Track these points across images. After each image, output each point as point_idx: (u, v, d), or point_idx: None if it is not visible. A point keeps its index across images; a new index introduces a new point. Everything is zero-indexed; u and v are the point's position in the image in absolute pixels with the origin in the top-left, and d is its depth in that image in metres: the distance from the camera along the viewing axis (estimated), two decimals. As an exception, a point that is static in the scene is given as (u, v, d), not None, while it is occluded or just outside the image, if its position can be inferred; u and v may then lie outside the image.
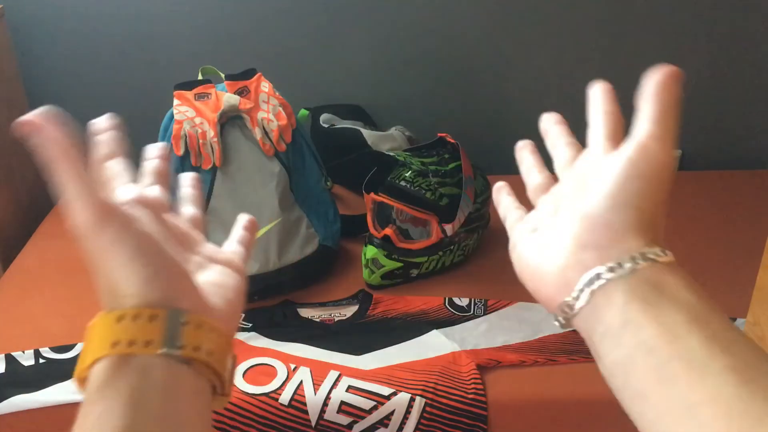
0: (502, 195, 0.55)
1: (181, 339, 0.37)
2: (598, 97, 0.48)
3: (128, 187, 0.43)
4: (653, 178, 0.39)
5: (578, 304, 0.38)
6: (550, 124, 0.52)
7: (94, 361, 0.36)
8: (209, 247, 0.47)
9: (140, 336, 0.36)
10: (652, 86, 0.41)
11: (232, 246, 0.51)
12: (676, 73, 0.41)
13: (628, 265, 0.37)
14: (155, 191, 0.47)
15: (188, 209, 0.51)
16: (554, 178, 0.50)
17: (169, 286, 0.38)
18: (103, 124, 0.46)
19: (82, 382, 0.37)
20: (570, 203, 0.43)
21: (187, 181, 0.54)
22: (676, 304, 0.36)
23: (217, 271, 0.45)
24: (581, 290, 0.38)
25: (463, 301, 1.31)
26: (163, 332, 0.36)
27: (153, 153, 0.51)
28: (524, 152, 0.54)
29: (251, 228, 0.54)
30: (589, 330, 0.38)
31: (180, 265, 0.40)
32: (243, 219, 0.54)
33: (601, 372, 0.38)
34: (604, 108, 0.47)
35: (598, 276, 0.37)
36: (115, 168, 0.44)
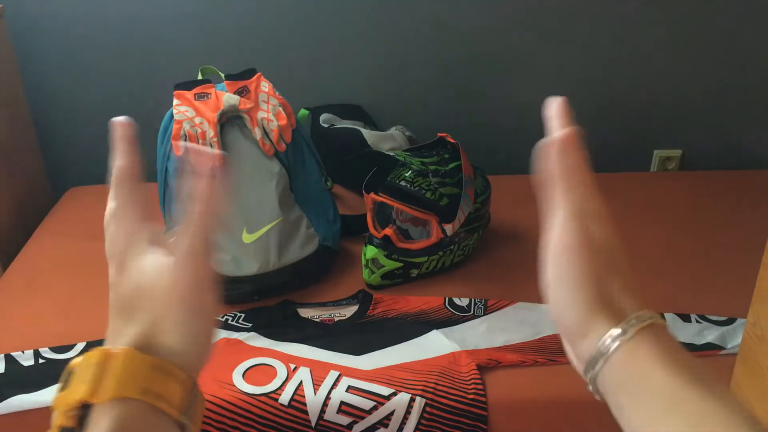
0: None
1: (192, 410, 0.38)
2: (555, 150, 0.44)
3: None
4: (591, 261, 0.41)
5: (593, 381, 0.39)
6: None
7: (117, 397, 0.36)
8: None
9: (169, 395, 0.36)
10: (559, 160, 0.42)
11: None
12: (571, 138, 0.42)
13: (632, 330, 0.38)
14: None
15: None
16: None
17: (201, 355, 0.39)
18: (204, 161, 0.41)
19: (74, 395, 0.36)
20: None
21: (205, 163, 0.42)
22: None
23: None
24: (593, 368, 0.39)
25: (463, 302, 1.31)
26: (186, 400, 0.37)
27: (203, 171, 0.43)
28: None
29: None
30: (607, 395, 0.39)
31: (212, 334, 0.40)
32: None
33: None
34: (561, 165, 0.43)
35: (607, 347, 0.38)
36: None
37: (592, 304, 0.39)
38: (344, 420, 1.06)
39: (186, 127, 1.29)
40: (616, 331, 0.38)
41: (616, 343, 0.38)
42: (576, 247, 0.40)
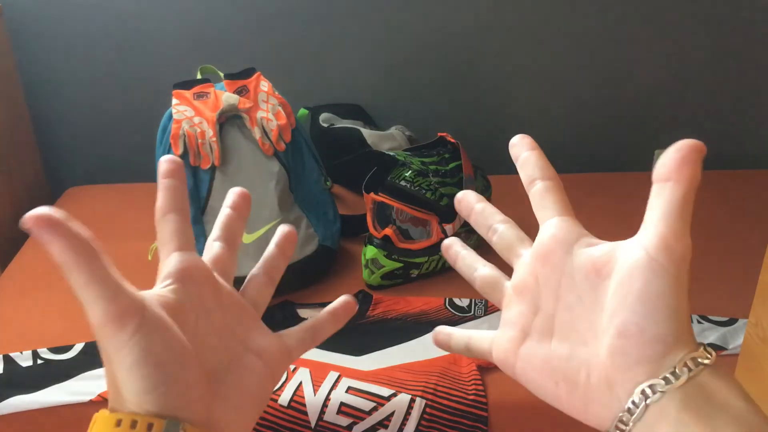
0: (454, 249, 0.50)
1: None
2: (530, 158, 0.44)
3: (175, 256, 0.40)
4: (684, 277, 0.37)
5: (633, 419, 0.36)
6: (474, 203, 0.48)
7: None
8: (259, 334, 0.44)
9: None
10: (673, 171, 0.37)
11: (297, 329, 0.46)
12: (699, 150, 0.37)
13: (683, 376, 0.35)
14: (214, 250, 0.44)
15: (258, 272, 0.46)
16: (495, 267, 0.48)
17: (171, 396, 0.36)
18: (164, 167, 0.42)
19: None
20: (585, 313, 0.39)
21: (232, 198, 0.47)
22: (728, 414, 0.35)
23: (250, 371, 0.42)
24: (636, 405, 0.36)
25: (464, 302, 1.30)
26: None
27: (229, 199, 0.46)
28: (455, 248, 0.50)
29: (340, 313, 0.48)
30: None
31: (191, 372, 0.37)
32: (341, 300, 0.48)
33: None
34: (542, 173, 0.44)
35: (653, 389, 0.35)
36: (170, 226, 0.41)
37: (689, 328, 0.37)
38: (344, 421, 1.05)
39: (185, 126, 1.28)
40: (701, 353, 0.36)
41: (701, 364, 0.35)
42: (687, 264, 0.37)
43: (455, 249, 0.51)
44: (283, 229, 0.48)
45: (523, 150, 0.45)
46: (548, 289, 0.41)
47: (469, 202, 0.48)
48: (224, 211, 0.46)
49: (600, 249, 0.40)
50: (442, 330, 0.50)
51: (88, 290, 0.35)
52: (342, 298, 0.48)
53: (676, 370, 0.35)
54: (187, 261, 0.40)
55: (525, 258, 0.44)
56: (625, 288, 0.37)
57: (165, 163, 0.42)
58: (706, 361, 0.36)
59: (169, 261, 0.40)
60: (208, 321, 0.41)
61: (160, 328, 0.36)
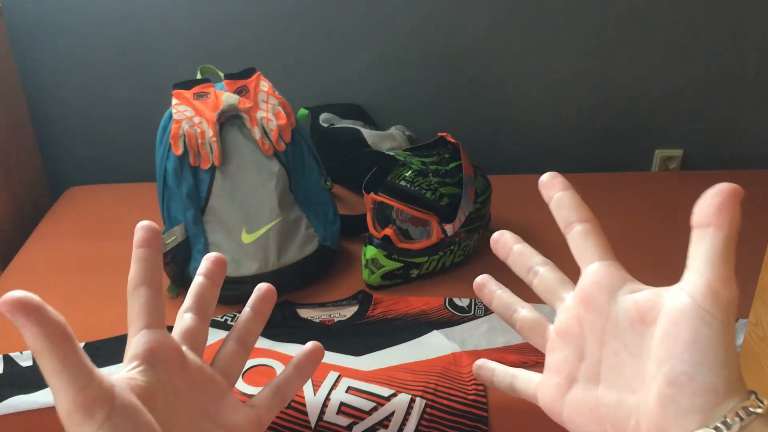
0: (489, 289, 0.48)
1: None
2: (564, 199, 0.43)
3: (143, 335, 0.39)
4: (732, 324, 0.36)
5: None
6: (512, 244, 0.46)
7: None
8: (229, 408, 0.43)
9: None
10: (712, 216, 0.36)
11: (265, 395, 0.44)
12: (737, 193, 0.36)
13: (735, 426, 0.34)
14: (184, 322, 0.43)
15: (229, 344, 0.44)
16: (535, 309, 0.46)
17: None
18: (140, 235, 0.41)
19: None
20: (631, 359, 0.39)
21: (206, 266, 0.45)
22: None
23: None
24: None
25: (464, 302, 1.30)
26: None
27: (203, 267, 0.45)
28: (490, 287, 0.48)
29: (306, 366, 0.46)
30: None
31: None
32: (306, 350, 0.46)
33: None
34: (579, 215, 0.42)
35: None
36: (140, 301, 0.40)
37: (739, 375, 0.36)
38: (344, 421, 1.05)
39: (185, 126, 1.28)
40: (753, 402, 0.35)
41: (753, 413, 0.35)
42: (734, 309, 0.35)
43: (490, 288, 0.49)
44: (260, 289, 0.46)
45: (554, 190, 0.43)
46: (593, 335, 0.41)
47: (506, 243, 0.47)
48: (197, 280, 0.45)
49: (644, 295, 0.39)
50: (486, 365, 0.48)
51: (59, 378, 0.34)
52: (308, 346, 0.46)
53: (728, 420, 0.35)
54: (155, 341, 0.39)
55: (568, 302, 0.43)
56: (672, 336, 0.36)
57: (141, 230, 0.41)
58: (759, 411, 0.35)
59: (137, 340, 0.39)
60: (177, 401, 0.40)
61: (130, 414, 0.35)
